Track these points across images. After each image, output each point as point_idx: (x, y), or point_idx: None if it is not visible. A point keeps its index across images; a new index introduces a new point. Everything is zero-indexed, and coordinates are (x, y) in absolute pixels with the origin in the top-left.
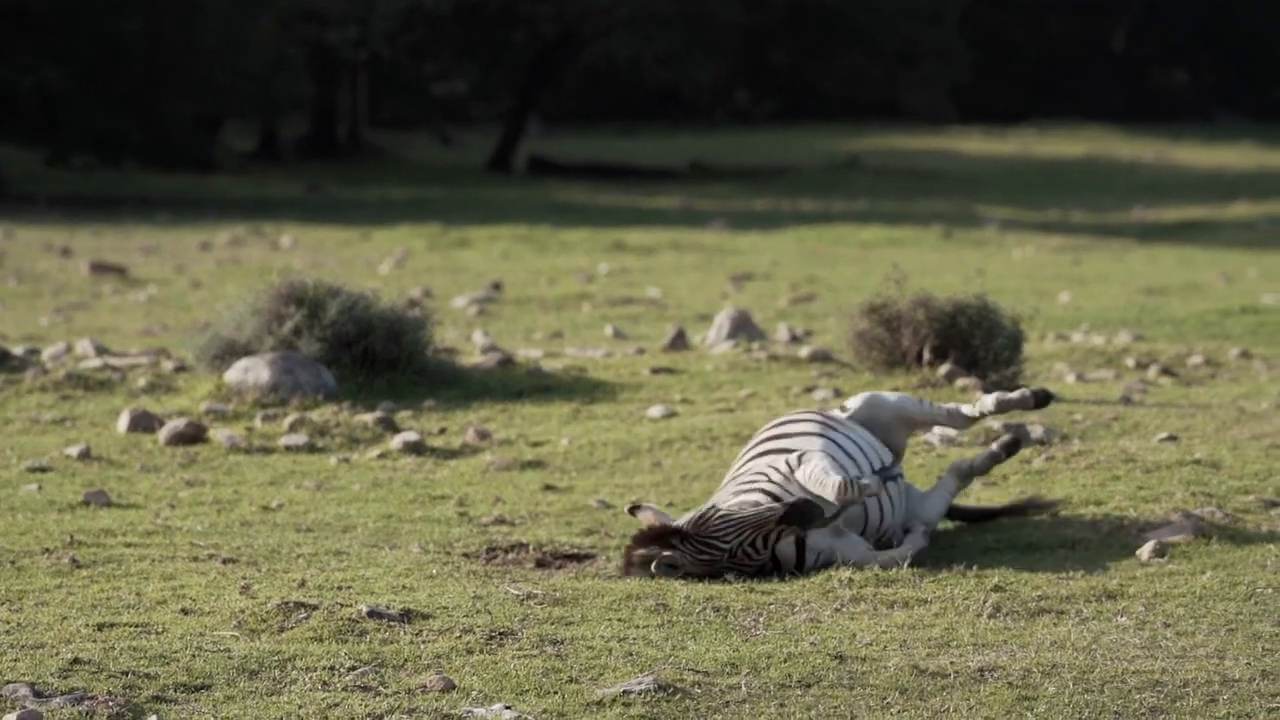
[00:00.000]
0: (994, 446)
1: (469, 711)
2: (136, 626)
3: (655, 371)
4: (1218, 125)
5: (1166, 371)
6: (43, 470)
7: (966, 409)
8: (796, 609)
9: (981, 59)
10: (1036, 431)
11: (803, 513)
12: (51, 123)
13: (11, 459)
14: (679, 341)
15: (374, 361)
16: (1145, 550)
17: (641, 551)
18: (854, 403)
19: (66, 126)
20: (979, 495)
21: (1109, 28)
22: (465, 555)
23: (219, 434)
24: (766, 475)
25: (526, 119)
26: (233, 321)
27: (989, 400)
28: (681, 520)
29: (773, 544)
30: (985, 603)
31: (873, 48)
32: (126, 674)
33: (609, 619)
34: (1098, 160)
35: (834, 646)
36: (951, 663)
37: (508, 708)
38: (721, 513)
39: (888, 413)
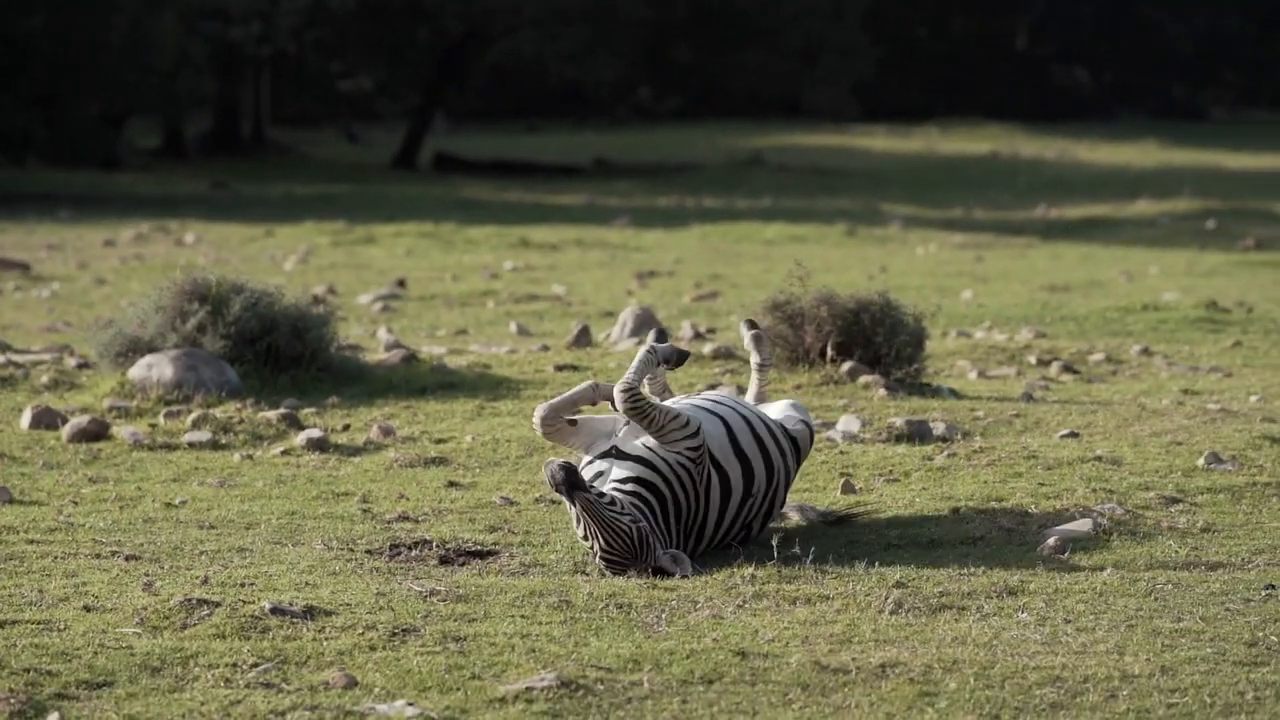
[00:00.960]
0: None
1: (371, 708)
2: (38, 624)
3: (559, 368)
4: (1120, 123)
5: (1068, 369)
6: None
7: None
8: (699, 605)
9: (885, 57)
10: (939, 428)
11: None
12: None
13: None
14: (583, 338)
15: (278, 358)
16: (1046, 546)
17: None
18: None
19: None
20: (884, 490)
21: (1011, 26)
22: (369, 552)
23: (122, 431)
24: None
25: (432, 116)
26: (136, 318)
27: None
28: None
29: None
30: (887, 599)
31: (775, 45)
32: (28, 671)
33: (512, 616)
34: (1001, 158)
35: (736, 643)
36: (853, 659)
37: (410, 704)
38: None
39: None
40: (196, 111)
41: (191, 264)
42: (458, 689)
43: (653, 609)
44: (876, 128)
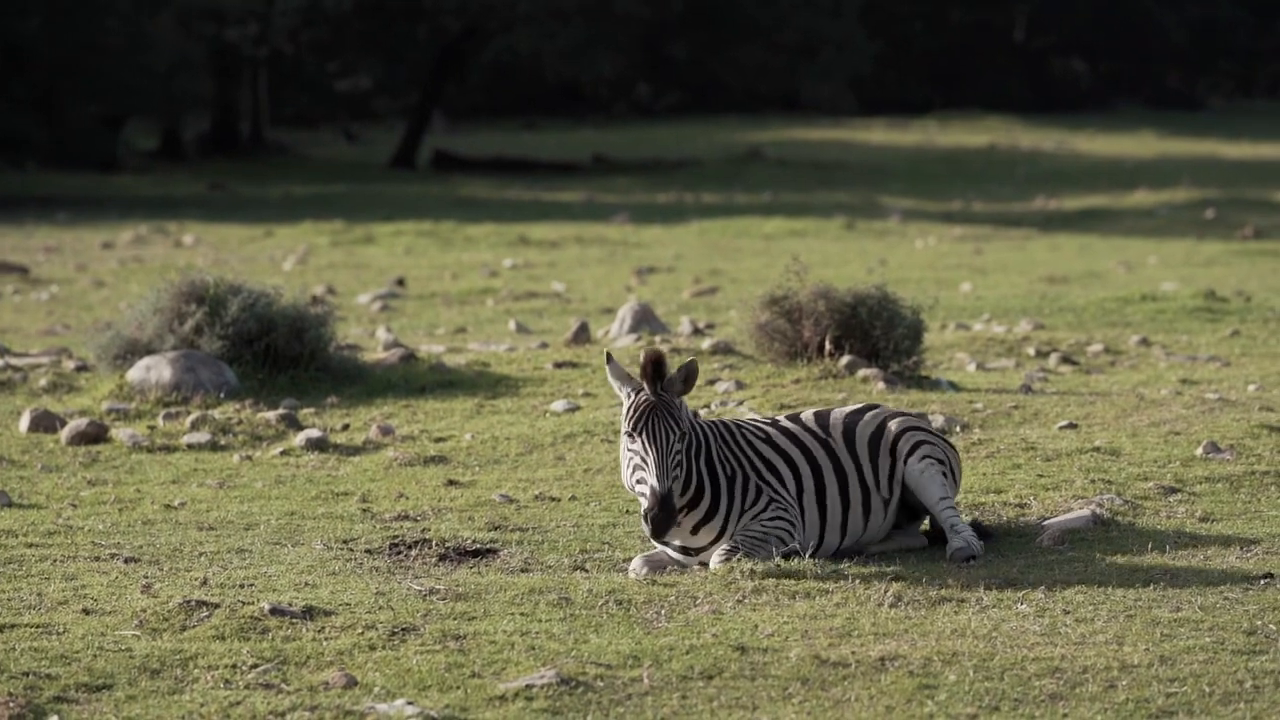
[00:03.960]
0: None
1: (371, 708)
2: (37, 627)
3: (558, 366)
4: (1117, 114)
5: (1066, 360)
6: None
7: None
8: (699, 601)
9: (882, 50)
10: (937, 420)
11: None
12: None
13: None
14: (582, 335)
15: (276, 359)
16: (1045, 538)
17: None
18: None
19: None
20: None
21: (1009, 18)
22: (368, 551)
23: (121, 433)
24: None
25: (430, 114)
26: (134, 320)
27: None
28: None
29: None
30: (886, 592)
31: (773, 40)
32: (28, 674)
33: (511, 613)
34: (999, 150)
35: (736, 638)
36: (853, 652)
37: (410, 703)
38: None
39: None
40: (194, 113)
41: (190, 265)
42: (458, 687)
43: (652, 605)
44: (875, 121)
